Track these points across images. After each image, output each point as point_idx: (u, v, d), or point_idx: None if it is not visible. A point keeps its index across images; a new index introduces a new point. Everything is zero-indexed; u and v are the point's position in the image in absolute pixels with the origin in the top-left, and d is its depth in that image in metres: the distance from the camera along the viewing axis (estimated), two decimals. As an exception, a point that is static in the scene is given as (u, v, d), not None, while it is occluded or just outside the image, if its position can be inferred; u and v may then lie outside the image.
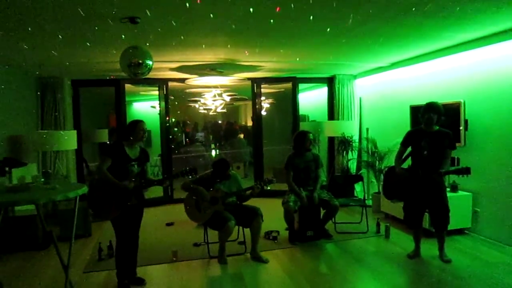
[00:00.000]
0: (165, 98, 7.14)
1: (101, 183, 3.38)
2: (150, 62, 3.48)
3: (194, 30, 3.91)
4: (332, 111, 7.44)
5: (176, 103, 9.85)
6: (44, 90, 6.15)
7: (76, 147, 5.54)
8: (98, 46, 4.45)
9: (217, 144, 12.63)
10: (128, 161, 3.42)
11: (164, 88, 7.11)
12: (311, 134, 4.96)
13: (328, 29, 3.97)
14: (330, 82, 7.44)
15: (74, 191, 2.72)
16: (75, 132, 5.53)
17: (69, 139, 5.33)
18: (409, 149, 4.17)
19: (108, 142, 7.63)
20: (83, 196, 5.15)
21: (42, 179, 3.17)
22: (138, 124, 3.50)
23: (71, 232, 4.85)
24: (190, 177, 3.70)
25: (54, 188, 2.92)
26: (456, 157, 4.83)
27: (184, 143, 13.56)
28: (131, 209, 3.49)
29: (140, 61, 3.38)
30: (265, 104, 9.25)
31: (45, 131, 5.68)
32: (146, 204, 6.46)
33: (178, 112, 13.06)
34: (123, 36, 3.90)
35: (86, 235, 5.20)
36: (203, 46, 4.58)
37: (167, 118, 7.18)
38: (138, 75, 3.50)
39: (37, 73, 6.01)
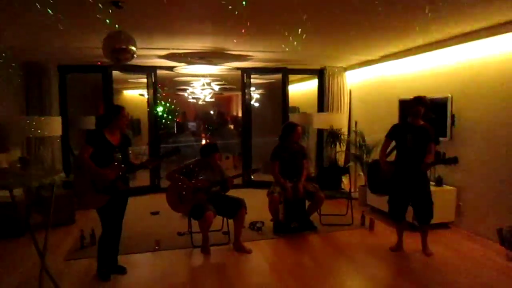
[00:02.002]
0: (153, 86, 7.06)
1: (84, 172, 3.31)
2: (133, 48, 3.40)
3: (180, 16, 3.84)
4: (322, 103, 7.41)
5: (166, 88, 9.73)
6: (30, 75, 6.02)
7: (60, 133, 5.45)
8: (82, 31, 4.35)
9: (207, 134, 12.56)
10: (112, 149, 3.37)
11: (152, 76, 7.02)
12: (300, 128, 4.91)
13: (316, 20, 3.93)
14: (320, 74, 7.41)
15: (50, 177, 2.66)
16: (59, 118, 5.43)
17: (53, 125, 5.24)
18: (394, 143, 4.17)
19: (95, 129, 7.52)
20: (69, 184, 5.12)
21: (19, 165, 3.11)
22: (121, 111, 3.43)
23: (54, 219, 4.84)
24: (174, 156, 3.67)
25: (30, 174, 2.86)
26: (442, 151, 4.84)
27: (176, 132, 13.47)
28: (119, 196, 3.45)
29: (124, 47, 3.30)
30: (255, 94, 9.19)
31: (28, 116, 5.57)
32: (132, 193, 6.46)
33: (172, 102, 12.91)
34: (107, 21, 3.81)
35: (69, 222, 5.15)
36: (190, 33, 4.51)
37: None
38: (122, 61, 3.43)
39: (22, 58, 5.88)
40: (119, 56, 3.33)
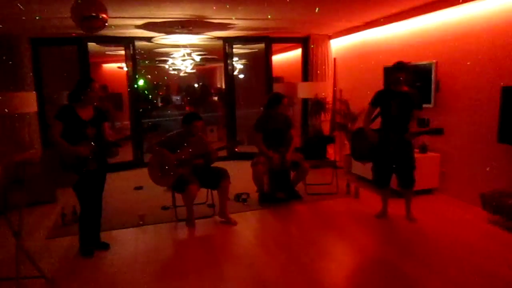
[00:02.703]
0: (132, 58, 6.81)
1: (55, 149, 3.17)
2: (104, 15, 3.20)
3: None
4: (306, 72, 7.29)
5: (147, 62, 9.44)
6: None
7: (35, 109, 5.24)
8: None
9: (191, 107, 12.37)
10: (82, 124, 3.21)
11: (131, 48, 6.77)
12: (286, 99, 4.81)
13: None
14: (304, 42, 7.24)
15: (21, 155, 2.54)
16: (34, 93, 5.21)
17: (27, 101, 5.02)
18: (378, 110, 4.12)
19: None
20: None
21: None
22: (89, 84, 3.24)
23: (35, 198, 4.73)
24: (149, 135, 3.55)
25: (-2, 151, 2.73)
26: (426, 118, 4.82)
27: (159, 105, 13.27)
28: (91, 174, 3.33)
29: (93, 14, 3.10)
30: (238, 65, 8.99)
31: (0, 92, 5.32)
32: (115, 168, 6.37)
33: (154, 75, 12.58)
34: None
35: (51, 201, 5.04)
36: None
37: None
38: (94, 29, 3.23)
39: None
40: (90, 25, 3.13)
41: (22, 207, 2.66)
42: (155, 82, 13.79)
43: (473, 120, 4.45)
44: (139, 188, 5.59)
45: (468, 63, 4.43)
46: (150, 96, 12.73)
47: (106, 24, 3.31)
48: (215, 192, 4.34)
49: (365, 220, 4.22)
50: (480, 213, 4.12)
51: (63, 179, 3.21)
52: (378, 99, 4.05)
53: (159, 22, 5.50)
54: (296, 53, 8.59)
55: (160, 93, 14.36)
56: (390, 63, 5.10)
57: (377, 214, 4.27)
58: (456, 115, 4.65)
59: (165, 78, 12.26)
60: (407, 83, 3.91)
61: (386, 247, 3.59)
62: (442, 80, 4.75)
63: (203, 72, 15.42)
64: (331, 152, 6.47)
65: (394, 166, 4.05)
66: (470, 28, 4.41)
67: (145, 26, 5.78)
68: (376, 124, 4.14)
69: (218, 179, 4.12)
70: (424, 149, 4.91)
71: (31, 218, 4.44)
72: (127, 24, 5.56)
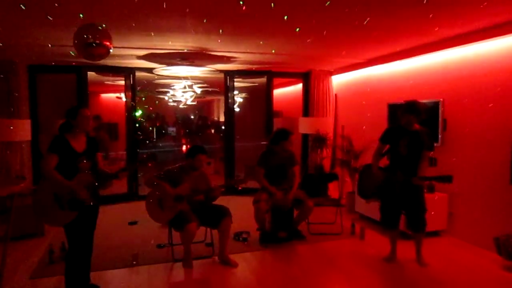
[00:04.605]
0: (131, 88, 6.70)
1: (49, 184, 2.95)
2: (108, 43, 3.09)
3: (158, 10, 3.54)
4: (307, 107, 7.22)
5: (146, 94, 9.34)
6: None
7: (29, 138, 5.04)
8: (53, 26, 4.00)
9: (188, 139, 12.22)
10: (75, 157, 2.99)
11: (131, 78, 6.67)
12: (293, 136, 4.67)
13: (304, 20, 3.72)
14: (305, 77, 7.22)
15: (8, 188, 2.33)
16: (28, 121, 5.02)
17: (21, 129, 4.83)
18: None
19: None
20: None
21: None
22: (79, 111, 3.02)
23: (20, 231, 4.44)
24: (150, 164, 3.34)
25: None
26: (433, 157, 4.69)
27: (154, 137, 13.10)
28: (87, 210, 3.09)
29: (97, 41, 2.99)
30: (238, 98, 8.94)
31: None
32: (108, 200, 6.10)
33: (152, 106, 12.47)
34: (81, 15, 3.49)
35: (38, 234, 4.74)
36: (170, 30, 4.21)
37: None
38: (96, 57, 3.11)
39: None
40: (93, 52, 3.00)
41: (6, 245, 2.40)
42: (148, 113, 13.64)
43: (482, 160, 4.32)
44: (133, 223, 5.29)
45: (476, 101, 4.37)
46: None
47: (110, 52, 3.18)
48: (214, 231, 4.09)
49: (373, 264, 3.99)
50: (491, 257, 3.94)
51: (55, 218, 2.95)
52: (387, 136, 3.93)
53: (161, 54, 5.42)
54: (294, 88, 8.58)
55: (158, 124, 14.22)
56: (395, 100, 5.03)
57: (385, 258, 4.03)
58: (464, 155, 4.52)
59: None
60: (418, 122, 3.81)
61: (398, 295, 3.35)
62: (449, 119, 4.66)
63: (199, 105, 15.43)
64: (331, 189, 6.27)
65: (403, 206, 3.88)
66: (476, 67, 4.37)
67: (147, 57, 5.70)
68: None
69: (219, 218, 3.87)
70: (431, 189, 4.75)
71: (15, 252, 4.13)
72: (129, 54, 5.49)
